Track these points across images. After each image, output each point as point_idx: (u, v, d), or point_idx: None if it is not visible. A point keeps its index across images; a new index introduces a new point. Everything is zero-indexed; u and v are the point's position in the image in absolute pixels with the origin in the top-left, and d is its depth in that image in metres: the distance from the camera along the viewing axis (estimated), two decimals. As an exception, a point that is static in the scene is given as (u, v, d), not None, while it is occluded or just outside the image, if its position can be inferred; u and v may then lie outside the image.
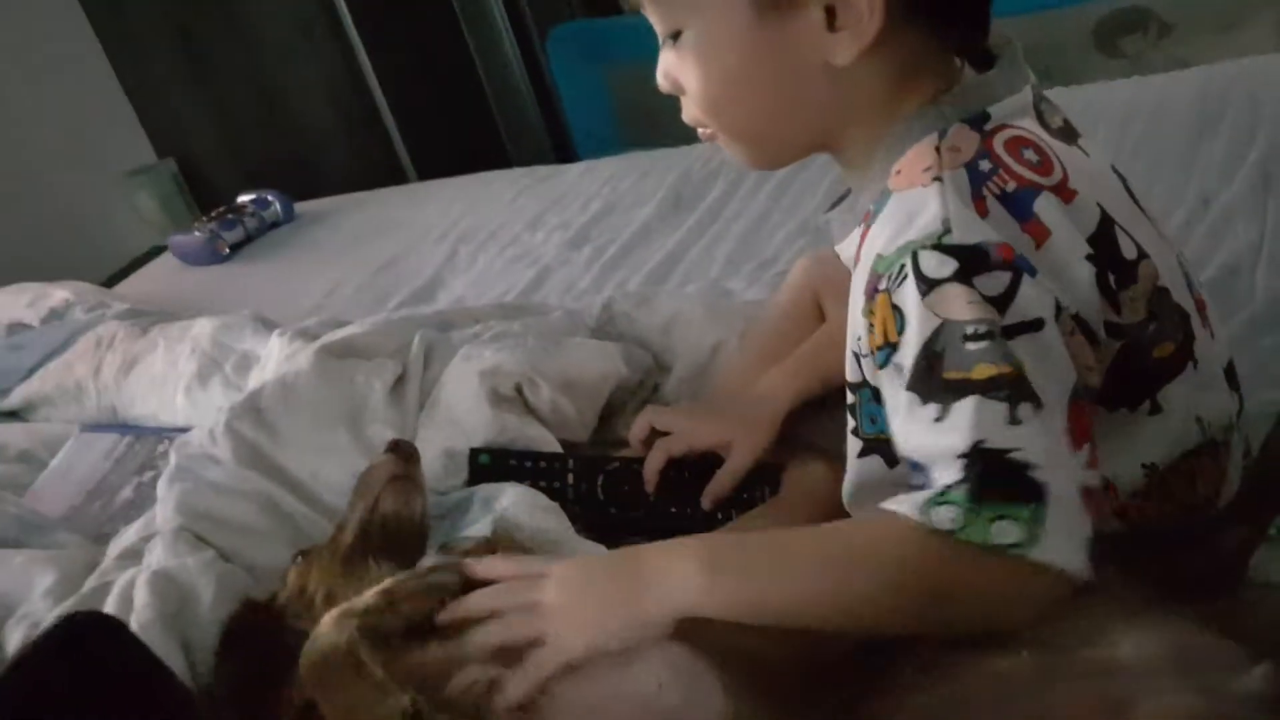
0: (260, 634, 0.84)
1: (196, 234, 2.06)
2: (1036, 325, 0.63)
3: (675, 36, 0.73)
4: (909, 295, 0.64)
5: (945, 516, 0.60)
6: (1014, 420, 0.61)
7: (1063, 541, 0.60)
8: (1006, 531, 0.59)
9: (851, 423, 0.77)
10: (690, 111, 0.77)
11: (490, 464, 0.98)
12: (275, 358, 1.19)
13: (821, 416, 1.00)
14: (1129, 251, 0.70)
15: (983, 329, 0.62)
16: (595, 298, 1.30)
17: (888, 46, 0.69)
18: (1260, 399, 0.86)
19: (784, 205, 1.57)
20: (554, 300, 1.52)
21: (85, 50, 3.11)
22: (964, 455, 0.61)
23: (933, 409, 0.63)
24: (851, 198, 0.78)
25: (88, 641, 0.69)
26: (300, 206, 2.24)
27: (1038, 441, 0.60)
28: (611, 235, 1.70)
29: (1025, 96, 0.72)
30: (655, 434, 0.99)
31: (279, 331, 1.24)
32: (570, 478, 0.97)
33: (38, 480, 1.30)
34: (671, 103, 0.79)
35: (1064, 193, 0.69)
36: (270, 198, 2.18)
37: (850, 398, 0.77)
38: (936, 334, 0.63)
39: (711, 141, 0.79)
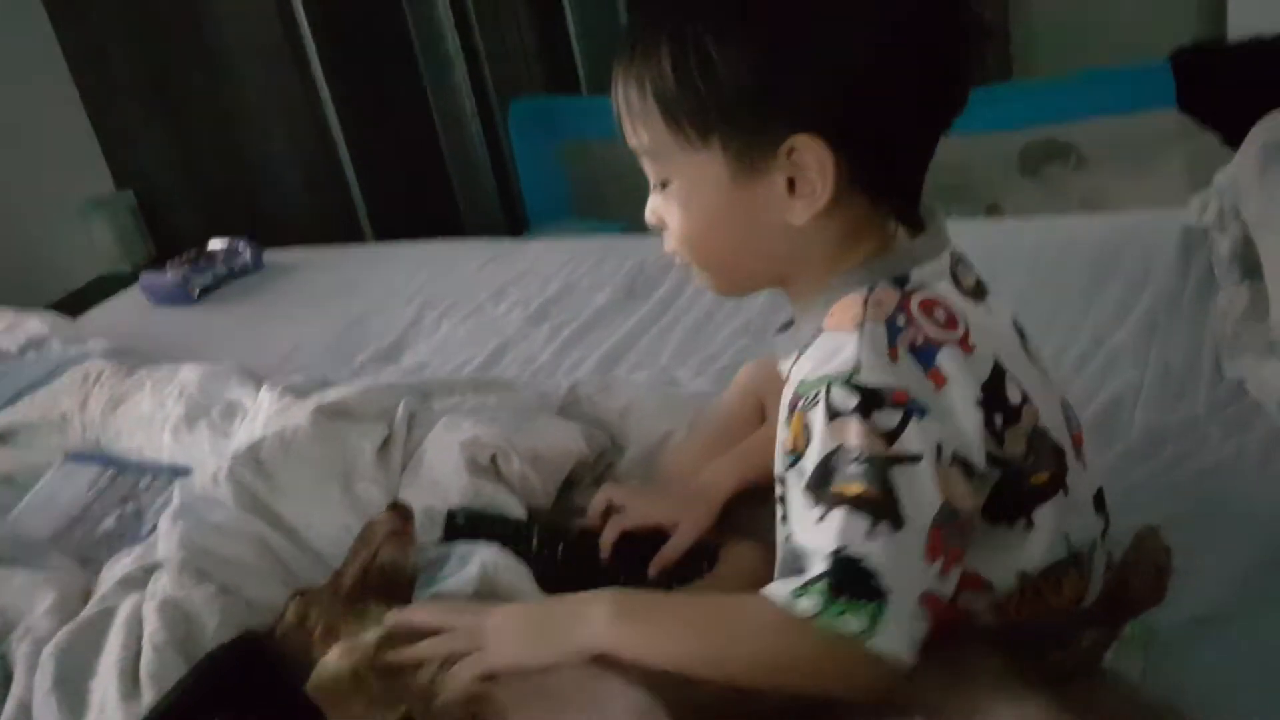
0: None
1: (169, 275, 2.14)
2: (915, 459, 0.76)
3: (664, 184, 0.87)
4: (818, 417, 0.78)
5: (805, 605, 0.74)
6: (871, 534, 0.73)
7: (896, 637, 0.73)
8: (851, 623, 0.73)
9: (780, 511, 0.88)
10: (670, 244, 0.90)
11: (465, 524, 1.09)
12: (265, 410, 1.30)
13: (756, 505, 1.11)
14: (1015, 397, 0.84)
15: (865, 455, 0.74)
16: (560, 379, 1.42)
17: (836, 212, 0.82)
18: (1126, 521, 0.97)
19: (728, 307, 1.68)
20: (514, 372, 1.64)
21: (52, 77, 3.14)
22: (829, 555, 0.74)
23: (817, 511, 0.75)
24: (794, 327, 0.91)
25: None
26: (267, 255, 2.30)
27: (887, 554, 0.73)
28: (569, 315, 1.81)
29: (944, 261, 0.86)
30: (611, 508, 1.12)
31: (268, 385, 1.35)
32: (535, 542, 1.08)
33: (21, 504, 1.39)
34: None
35: (964, 346, 0.82)
36: (241, 246, 2.25)
37: (779, 489, 0.88)
38: (832, 453, 0.76)
39: (686, 269, 0.94)
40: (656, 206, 0.90)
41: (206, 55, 3.01)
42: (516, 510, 1.14)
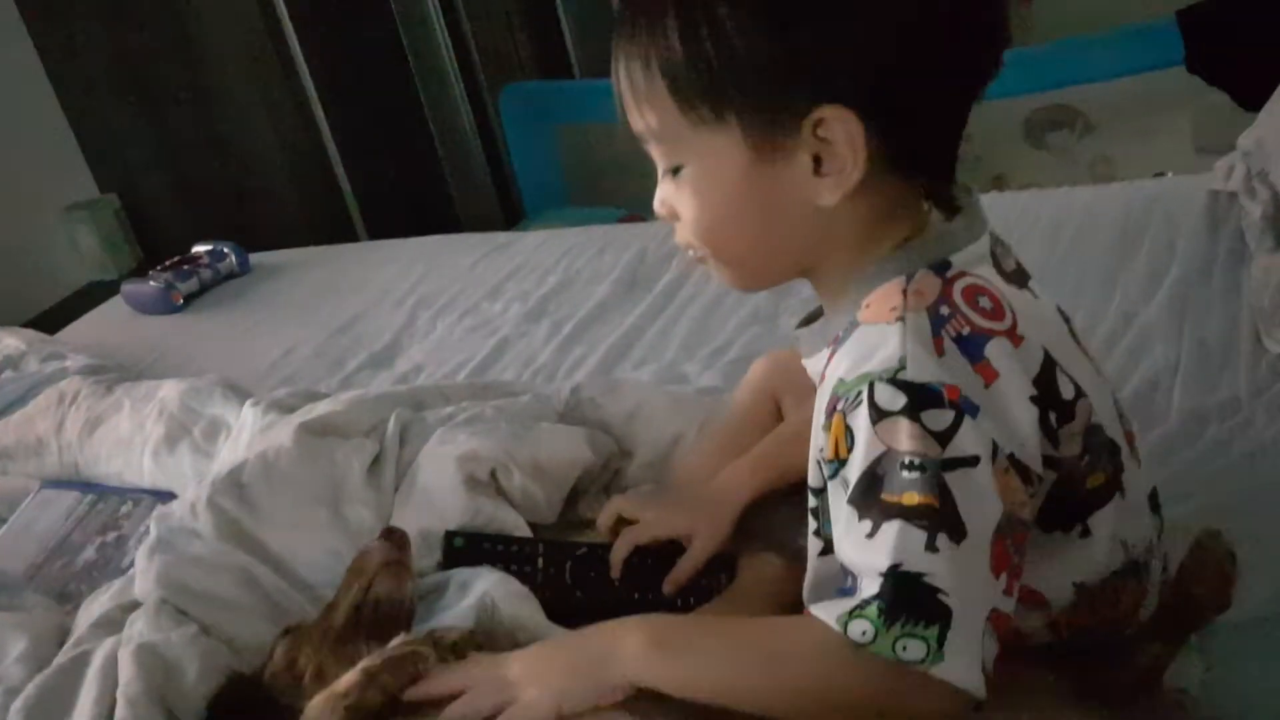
0: (248, 708, 0.89)
1: (151, 283, 2.07)
2: (972, 462, 0.70)
3: (675, 171, 0.80)
4: (861, 420, 0.71)
5: (858, 630, 0.67)
6: (931, 547, 0.67)
7: (962, 662, 0.67)
8: (911, 649, 0.67)
9: (813, 524, 0.83)
10: (684, 236, 0.83)
11: (465, 547, 1.02)
12: (249, 428, 1.23)
13: (776, 511, 1.06)
14: (1067, 391, 0.77)
15: (919, 460, 0.68)
16: (562, 379, 1.35)
17: (867, 192, 0.75)
18: (1172, 512, 0.92)
19: (734, 294, 1.60)
20: (513, 373, 1.57)
21: (26, 76, 3.05)
22: (884, 574, 0.67)
23: (866, 525, 0.69)
24: (823, 320, 0.85)
25: None
26: (255, 258, 2.23)
27: (950, 569, 0.67)
28: (569, 310, 1.74)
29: (983, 245, 0.80)
30: (621, 521, 1.05)
31: (252, 401, 1.28)
32: (540, 562, 1.02)
33: (-3, 535, 1.31)
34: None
35: (1013, 337, 0.75)
36: (226, 249, 2.18)
37: (812, 500, 0.82)
38: (880, 459, 0.69)
39: (700, 264, 0.86)
40: (667, 196, 0.82)
41: (187, 51, 2.93)
42: (519, 528, 1.07)
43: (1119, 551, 0.81)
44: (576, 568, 1.02)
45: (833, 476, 0.74)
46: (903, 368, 0.71)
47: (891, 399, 0.70)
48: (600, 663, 0.77)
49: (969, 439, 0.70)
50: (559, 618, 0.94)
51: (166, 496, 1.27)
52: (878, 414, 0.70)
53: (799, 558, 0.91)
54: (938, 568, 0.67)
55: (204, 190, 3.13)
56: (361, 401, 1.20)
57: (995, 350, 0.73)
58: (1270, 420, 1.16)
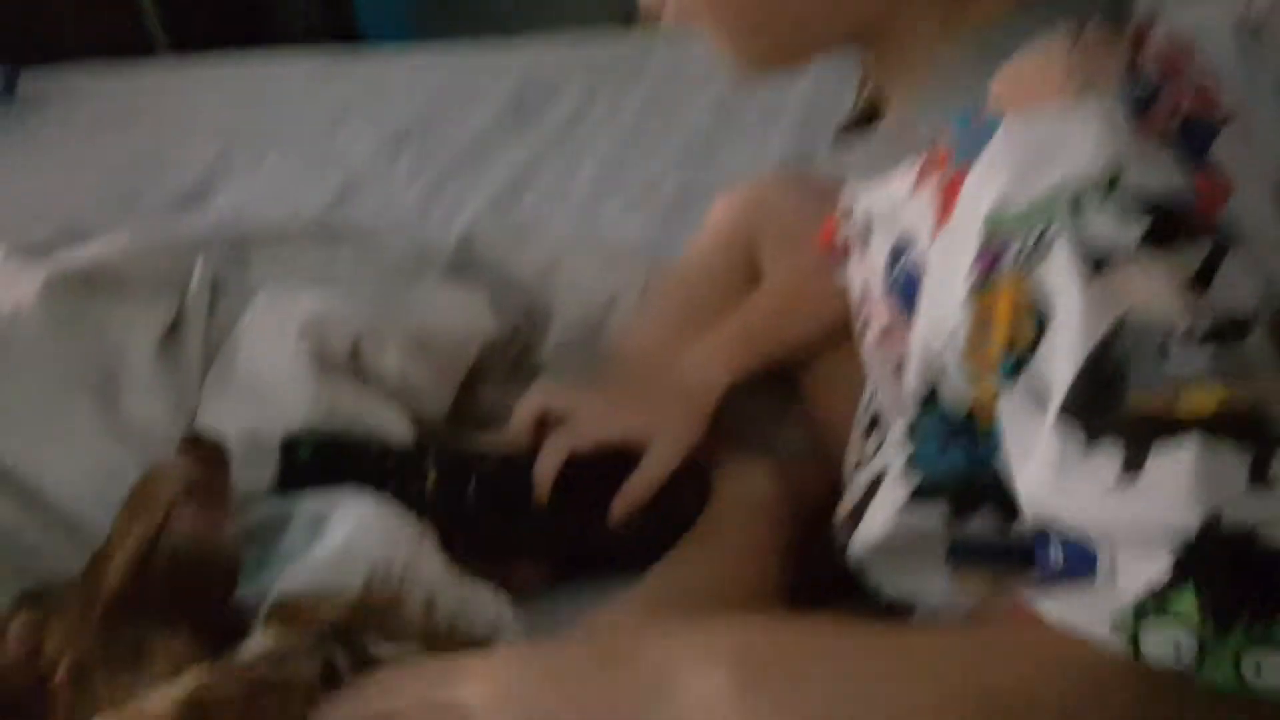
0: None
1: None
2: (1242, 327, 0.42)
3: None
4: (1064, 274, 0.43)
5: (1167, 643, 0.39)
6: (1262, 477, 0.39)
7: None
8: (1273, 669, 0.38)
9: (905, 450, 0.55)
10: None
11: (313, 460, 0.73)
12: None
13: (753, 401, 0.81)
14: None
15: (1194, 327, 0.41)
16: (447, 229, 1.03)
17: None
18: None
19: (653, 128, 1.35)
20: (369, 222, 1.25)
21: None
22: (1182, 540, 0.39)
23: (1111, 458, 0.41)
24: (892, 119, 0.57)
25: None
26: (26, 80, 1.86)
27: None
28: (438, 144, 1.44)
29: None
30: (546, 420, 0.77)
31: None
32: (431, 480, 0.74)
33: None
34: None
35: (1240, 128, 0.49)
36: (-12, 68, 1.79)
37: (908, 415, 0.55)
38: (1115, 337, 0.42)
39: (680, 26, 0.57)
40: None
41: None
42: (397, 430, 0.78)
43: None
44: (483, 487, 0.75)
45: (1009, 380, 0.46)
46: (1119, 173, 0.44)
47: (1118, 228, 0.43)
48: (644, 708, 0.47)
49: (1235, 285, 0.43)
50: (462, 562, 0.67)
51: None
52: (1097, 257, 0.43)
53: (790, 469, 0.76)
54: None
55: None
56: (148, 244, 0.88)
57: (1226, 147, 0.48)
58: None
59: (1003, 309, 0.45)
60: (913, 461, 0.54)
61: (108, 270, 0.82)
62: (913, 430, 0.54)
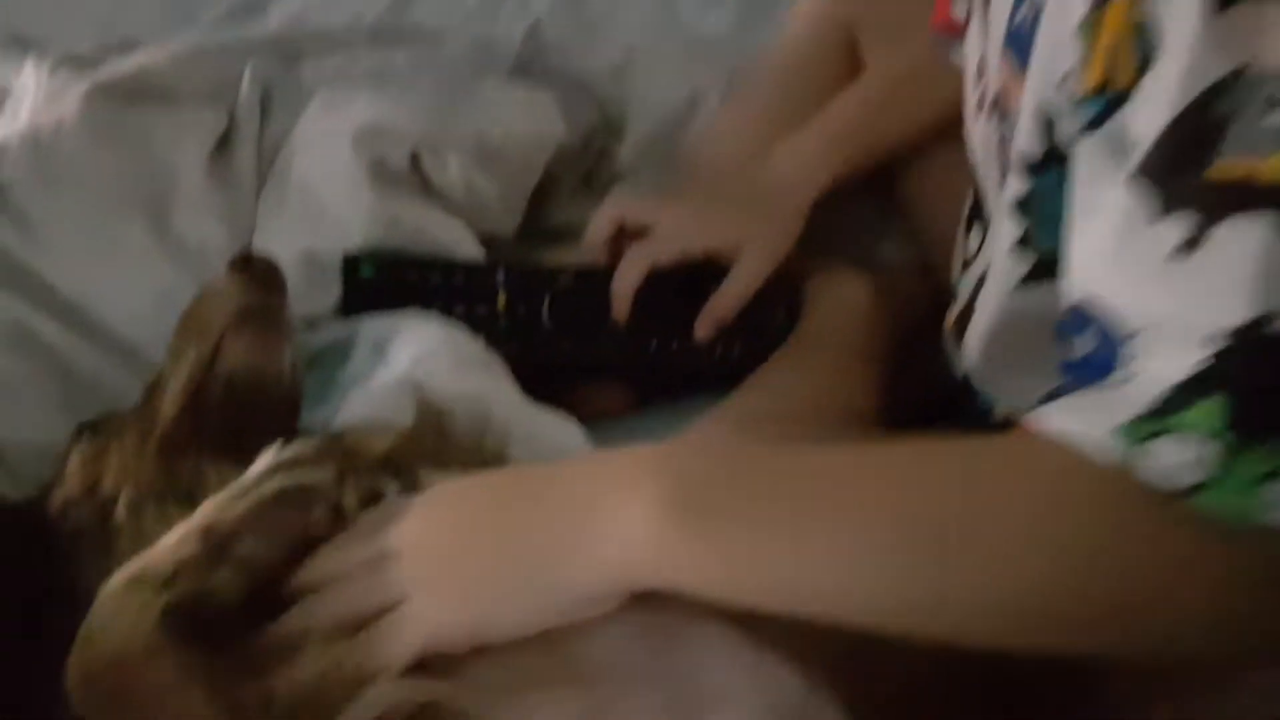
0: (15, 560, 0.57)
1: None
2: None
3: None
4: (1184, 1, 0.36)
5: (1170, 462, 0.35)
6: None
7: None
8: None
9: (1017, 228, 0.50)
10: None
11: (376, 278, 0.70)
12: (30, 100, 0.84)
13: (852, 207, 0.76)
14: None
15: None
16: (514, 22, 0.97)
17: None
18: None
19: None
20: (434, 22, 1.18)
21: None
22: (1221, 336, 0.34)
23: (1178, 226, 0.36)
24: None
25: None
26: None
27: None
28: None
29: None
30: (625, 232, 0.73)
31: (37, 57, 0.87)
32: (502, 299, 0.71)
33: None
34: None
35: None
36: None
37: (1019, 186, 0.49)
38: (1225, 88, 0.35)
39: None
40: None
41: None
42: (464, 246, 0.74)
43: None
44: (559, 306, 0.72)
45: (1094, 123, 0.40)
46: None
47: None
48: (564, 548, 0.44)
49: None
50: (535, 388, 0.65)
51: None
52: None
53: (889, 282, 0.73)
54: None
55: None
56: (196, 50, 0.83)
57: None
58: None
59: (1106, 39, 0.38)
60: (1027, 238, 0.49)
61: (153, 78, 0.78)
62: (1025, 204, 0.49)
